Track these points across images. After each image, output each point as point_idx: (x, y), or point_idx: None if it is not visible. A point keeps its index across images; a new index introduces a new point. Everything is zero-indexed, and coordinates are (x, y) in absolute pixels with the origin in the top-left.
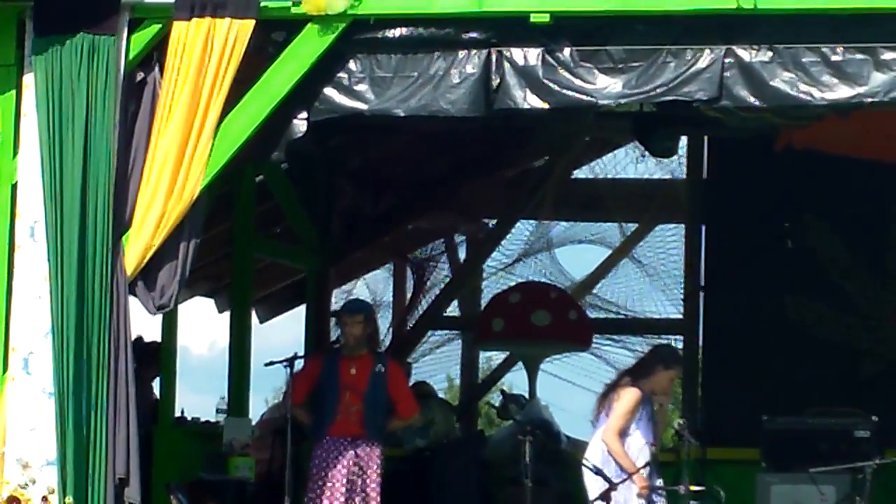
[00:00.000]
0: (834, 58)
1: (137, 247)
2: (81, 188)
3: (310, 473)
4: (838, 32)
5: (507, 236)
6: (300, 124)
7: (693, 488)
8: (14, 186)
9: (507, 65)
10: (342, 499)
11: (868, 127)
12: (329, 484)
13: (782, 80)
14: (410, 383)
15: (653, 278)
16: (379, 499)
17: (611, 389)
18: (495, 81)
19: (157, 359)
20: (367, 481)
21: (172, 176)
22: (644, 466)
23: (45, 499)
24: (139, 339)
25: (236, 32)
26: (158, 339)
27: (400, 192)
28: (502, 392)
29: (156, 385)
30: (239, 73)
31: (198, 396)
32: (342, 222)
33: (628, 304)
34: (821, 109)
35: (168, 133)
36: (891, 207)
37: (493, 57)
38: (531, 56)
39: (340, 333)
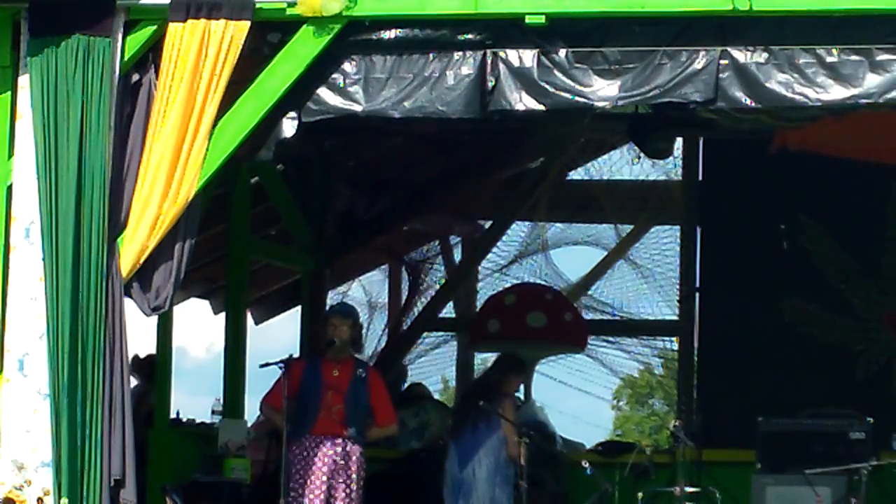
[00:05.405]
0: (829, 59)
1: (132, 248)
2: (77, 190)
3: (291, 472)
4: (833, 33)
5: (503, 238)
6: (289, 124)
7: (689, 489)
8: (9, 188)
9: (502, 66)
10: (323, 497)
11: (863, 128)
12: (310, 482)
13: (778, 82)
14: (406, 384)
15: (648, 280)
16: (359, 500)
17: None
18: (490, 83)
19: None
20: (349, 481)
21: (168, 177)
22: None
23: (40, 500)
24: (135, 356)
25: (231, 34)
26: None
27: (395, 193)
28: None
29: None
30: (234, 75)
31: (195, 398)
32: (338, 223)
33: (624, 305)
34: (816, 111)
35: (163, 135)
36: (886, 209)
37: (489, 58)
38: (526, 58)
39: (325, 332)
